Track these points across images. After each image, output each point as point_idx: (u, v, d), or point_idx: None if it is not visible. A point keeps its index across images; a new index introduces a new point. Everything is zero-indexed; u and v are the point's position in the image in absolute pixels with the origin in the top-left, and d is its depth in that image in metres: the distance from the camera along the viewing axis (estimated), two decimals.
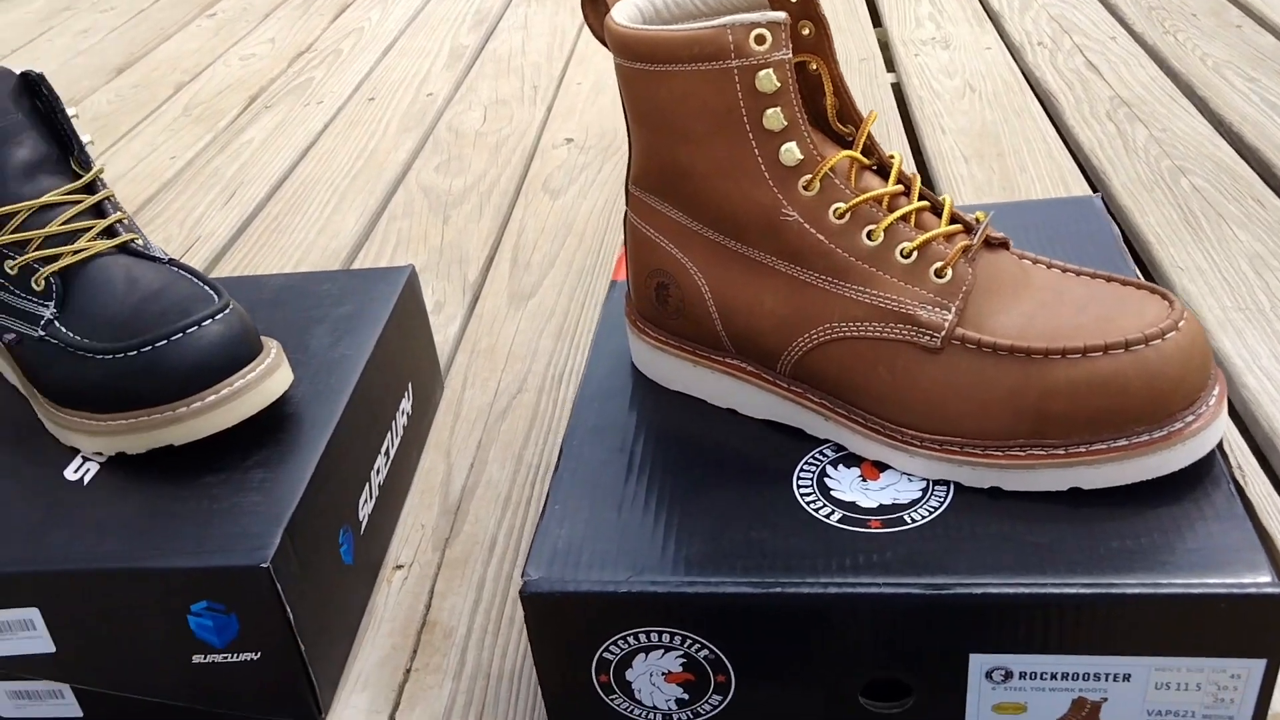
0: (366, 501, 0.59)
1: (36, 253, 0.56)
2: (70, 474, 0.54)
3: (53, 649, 0.50)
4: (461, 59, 1.37)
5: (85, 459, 0.55)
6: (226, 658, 0.49)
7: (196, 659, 0.49)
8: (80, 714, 0.52)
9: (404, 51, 1.42)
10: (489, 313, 0.83)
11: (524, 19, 1.49)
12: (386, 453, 0.62)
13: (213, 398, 0.52)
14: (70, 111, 0.59)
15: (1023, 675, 0.42)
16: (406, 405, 0.67)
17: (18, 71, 0.59)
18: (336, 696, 0.52)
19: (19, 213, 0.56)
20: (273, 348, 0.55)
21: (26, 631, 0.50)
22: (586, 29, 1.42)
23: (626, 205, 0.52)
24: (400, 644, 0.55)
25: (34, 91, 0.58)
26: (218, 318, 0.53)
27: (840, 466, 0.47)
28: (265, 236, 0.99)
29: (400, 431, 0.65)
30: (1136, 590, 0.40)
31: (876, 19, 1.34)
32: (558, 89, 1.25)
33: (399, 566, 0.60)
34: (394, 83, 1.32)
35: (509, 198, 1.01)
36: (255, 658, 0.49)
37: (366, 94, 1.29)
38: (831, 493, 0.45)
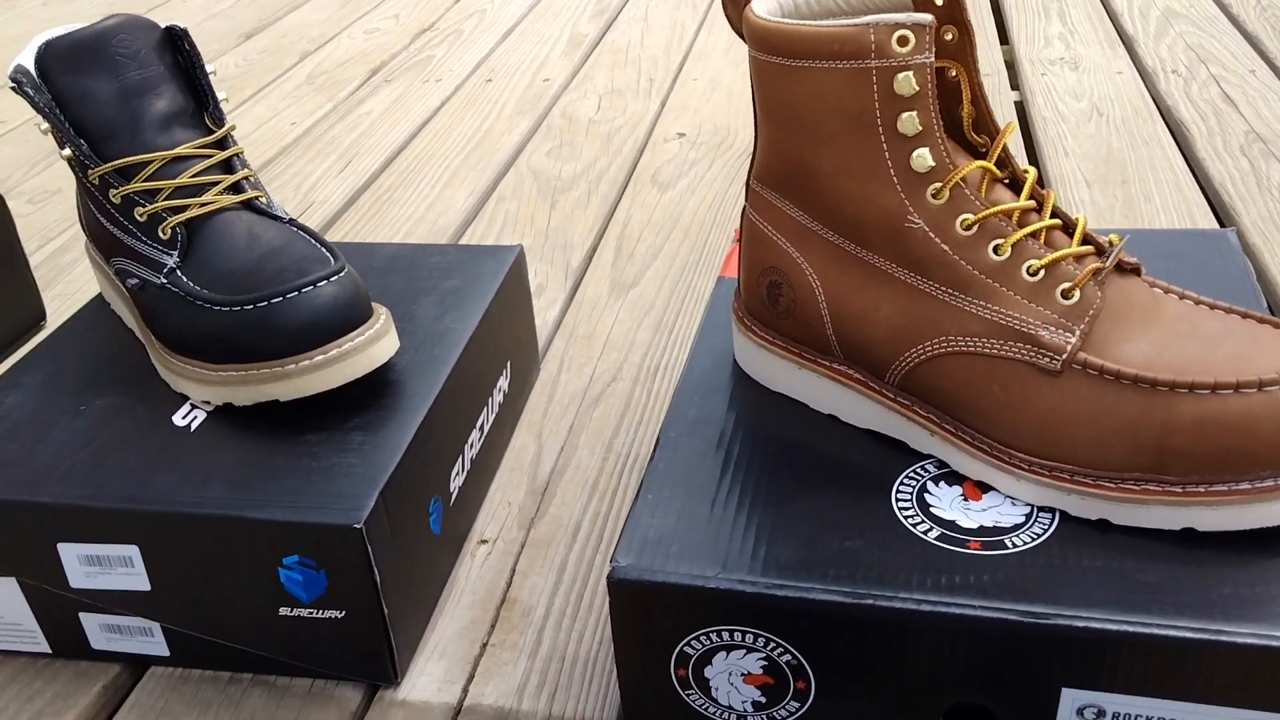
0: (458, 474, 0.59)
1: (165, 202, 0.57)
2: (179, 420, 0.56)
3: (148, 587, 0.51)
4: (580, 47, 1.38)
5: (194, 406, 0.57)
6: (312, 613, 0.50)
7: (283, 611, 0.50)
8: (166, 653, 0.53)
9: (524, 36, 1.43)
10: (589, 300, 0.84)
11: (644, 11, 1.49)
12: (481, 428, 0.63)
13: (321, 357, 0.53)
14: (209, 68, 0.61)
15: (1116, 716, 0.40)
16: (504, 383, 0.67)
17: (162, 25, 0.61)
18: (413, 663, 0.53)
19: (153, 162, 0.57)
20: (382, 314, 0.56)
21: (125, 568, 0.51)
22: (706, 25, 1.42)
23: (745, 201, 0.52)
24: (479, 618, 0.55)
25: (176, 46, 0.60)
26: (333, 279, 0.54)
27: (942, 484, 0.46)
28: (376, 207, 1.01)
29: (495, 409, 0.65)
30: (1248, 640, 0.38)
31: (1004, 36, 1.31)
32: (673, 83, 1.25)
33: (483, 541, 0.60)
34: (512, 66, 1.33)
35: (617, 187, 1.01)
36: (339, 615, 0.50)
37: (484, 75, 1.31)
38: (931, 509, 0.44)
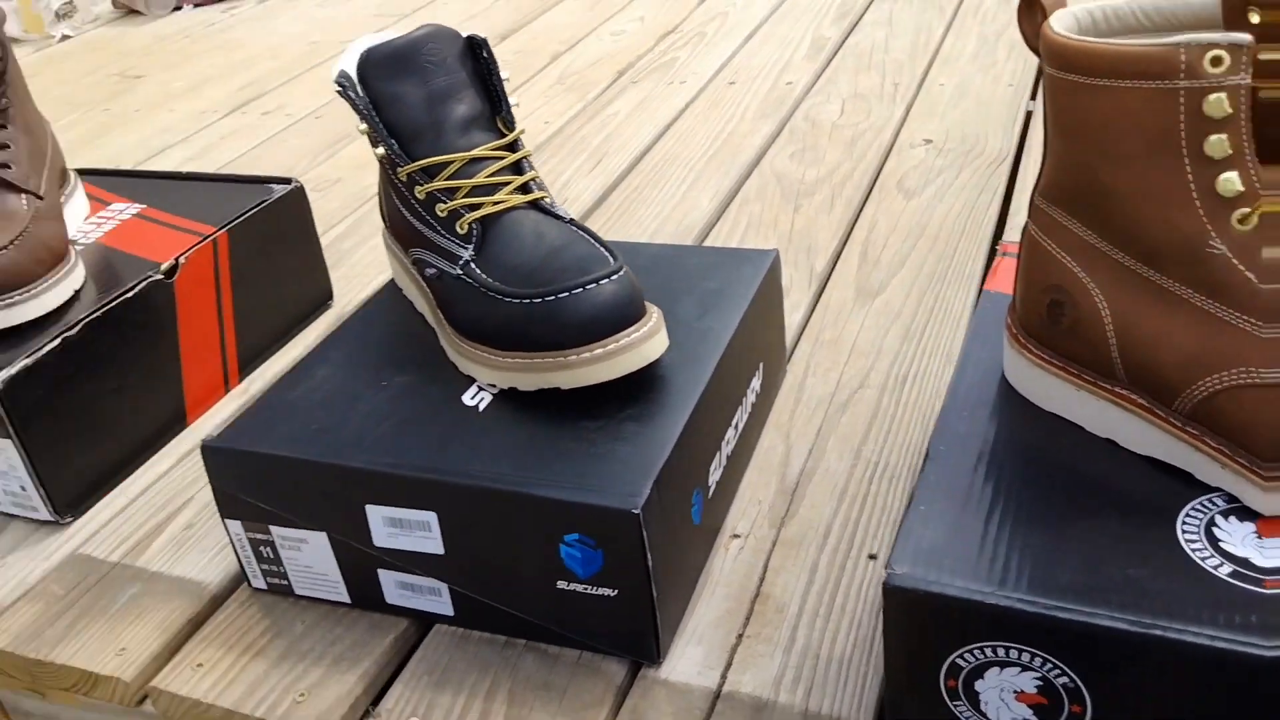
0: (716, 468, 0.61)
1: (464, 200, 0.62)
2: (467, 399, 0.61)
3: (442, 551, 0.56)
4: (823, 50, 1.38)
5: (480, 388, 0.61)
6: (587, 589, 0.53)
7: (560, 584, 0.54)
8: (451, 613, 0.58)
9: (766, 39, 1.45)
10: (835, 304, 0.85)
11: (888, 15, 1.48)
12: (735, 425, 0.65)
13: (600, 350, 0.56)
14: (503, 75, 0.65)
15: None
16: (756, 384, 0.69)
17: (464, 34, 0.66)
18: (674, 645, 0.56)
19: (454, 162, 0.62)
20: (654, 313, 0.59)
21: (423, 531, 0.56)
22: (953, 29, 1.39)
23: (1029, 217, 0.51)
24: (734, 609, 0.58)
25: (475, 53, 0.65)
26: (613, 278, 0.57)
27: (1231, 518, 0.44)
28: (625, 205, 1.05)
29: (749, 408, 0.67)
30: None
31: None
32: (919, 88, 1.23)
33: (736, 535, 0.63)
34: (755, 69, 1.35)
35: (862, 192, 1.01)
36: (612, 594, 0.53)
37: (727, 77, 1.33)
38: (1220, 544, 0.43)
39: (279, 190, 0.87)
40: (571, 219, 0.63)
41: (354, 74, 0.64)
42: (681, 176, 1.09)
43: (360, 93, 0.63)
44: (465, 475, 0.54)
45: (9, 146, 0.76)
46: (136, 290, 0.75)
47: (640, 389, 0.59)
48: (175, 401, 0.79)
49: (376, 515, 0.57)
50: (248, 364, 0.85)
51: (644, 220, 1.02)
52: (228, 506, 0.61)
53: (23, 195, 0.75)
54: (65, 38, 1.93)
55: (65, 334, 0.70)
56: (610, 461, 0.54)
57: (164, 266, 0.77)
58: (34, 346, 0.69)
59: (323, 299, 0.93)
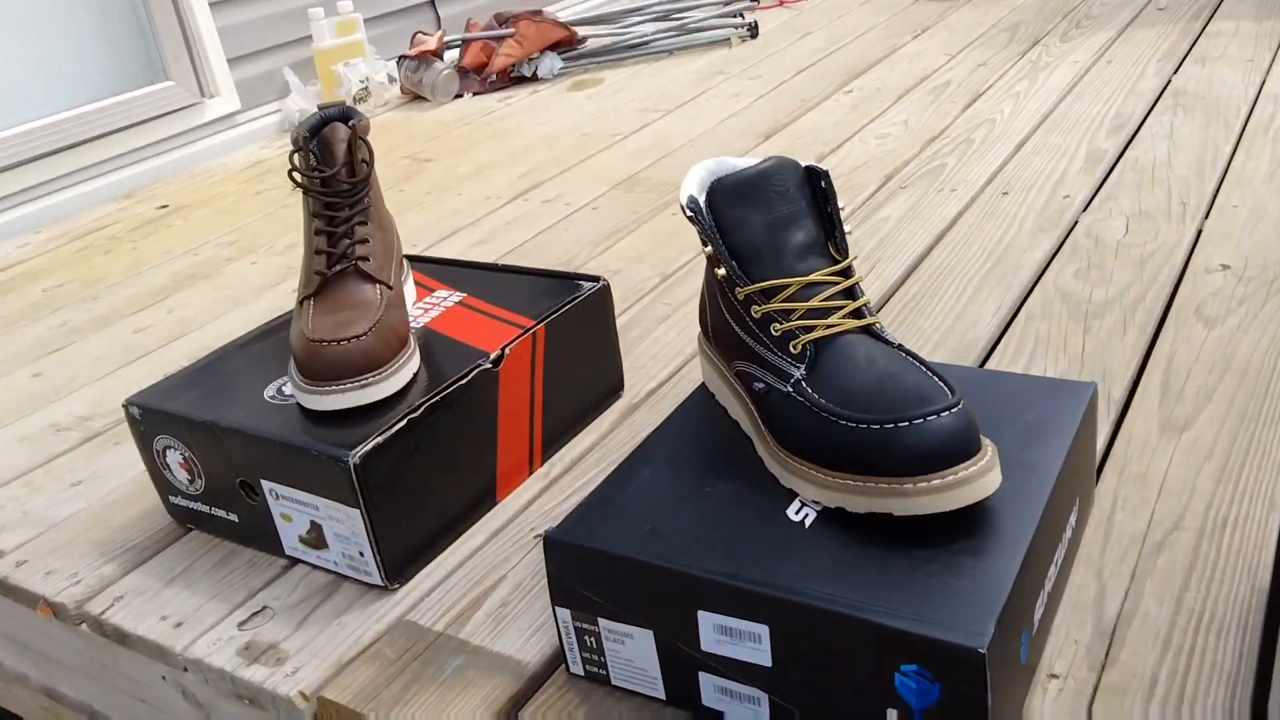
0: (1039, 606, 0.61)
1: (799, 321, 0.65)
2: (792, 514, 0.63)
3: (769, 663, 0.58)
4: (1100, 163, 1.36)
5: (804, 504, 0.64)
6: None
7: (891, 714, 0.55)
8: None
9: (1038, 149, 1.44)
10: (1138, 437, 0.82)
11: (1169, 128, 1.45)
12: (1055, 562, 0.64)
13: (938, 482, 0.58)
14: (841, 206, 0.68)
15: None
16: (1073, 518, 0.68)
17: (803, 164, 0.70)
18: None
19: (791, 286, 0.66)
20: (989, 448, 0.60)
21: (753, 643, 0.58)
22: (1242, 148, 1.34)
23: None
24: None
25: (814, 183, 0.68)
26: (952, 411, 0.59)
27: None
28: (903, 314, 1.06)
29: (1065, 544, 0.67)
30: None
31: None
32: (1209, 209, 1.19)
33: (1054, 675, 0.62)
34: (1028, 179, 1.34)
35: (1155, 317, 0.99)
36: None
37: (1000, 187, 1.33)
38: None
39: (588, 287, 0.93)
40: (900, 345, 0.65)
41: (701, 200, 0.69)
42: (959, 288, 1.10)
43: (708, 217, 0.67)
44: (802, 593, 0.56)
45: (368, 241, 0.85)
46: (470, 377, 0.81)
47: (971, 522, 0.60)
48: (488, 480, 0.85)
49: (708, 621, 0.59)
50: (548, 447, 0.91)
51: (925, 331, 1.02)
52: (561, 595, 0.65)
53: (377, 285, 0.84)
54: None
55: (410, 415, 0.77)
56: (950, 595, 0.55)
57: (492, 356, 0.84)
58: (383, 425, 0.76)
59: (615, 388, 0.98)
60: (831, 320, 0.65)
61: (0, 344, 1.32)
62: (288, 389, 0.83)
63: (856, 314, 0.66)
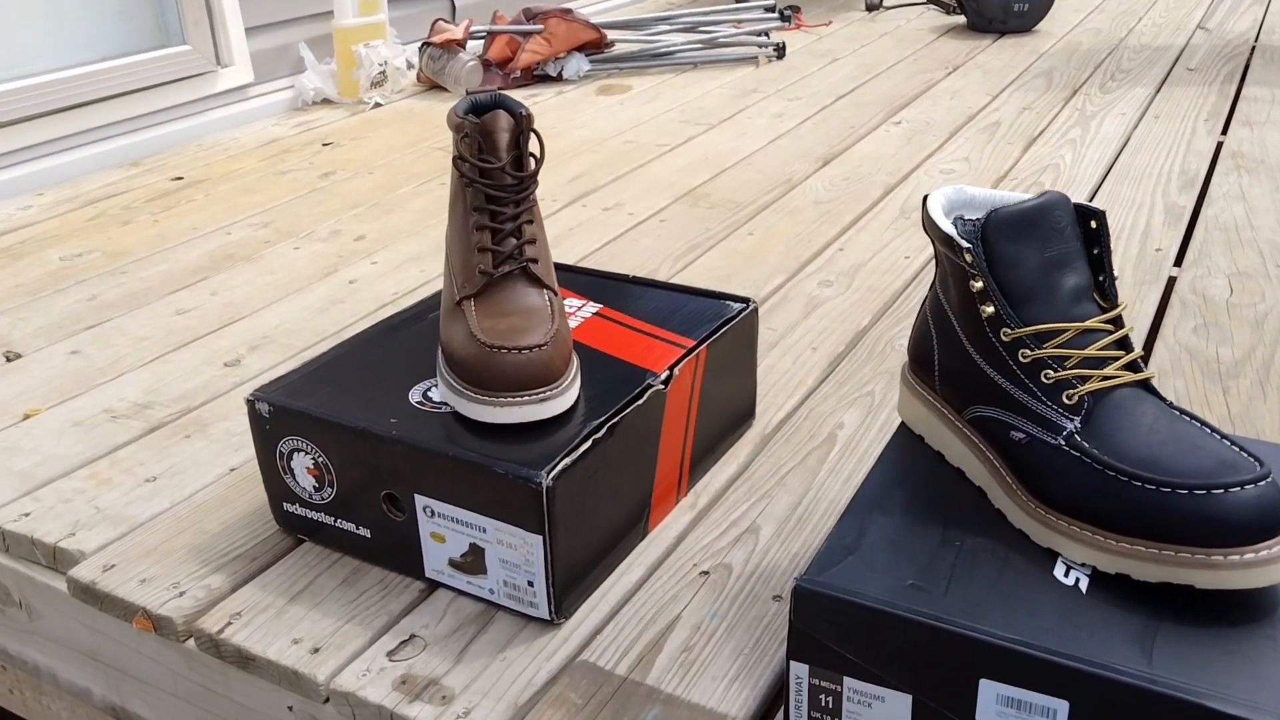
0: None
1: (1074, 370, 0.61)
2: (1061, 576, 0.58)
3: None
4: (1181, 219, 1.36)
5: (1069, 566, 0.59)
6: None
7: None
8: None
9: (1113, 199, 1.43)
10: None
11: (1239, 189, 1.45)
12: None
13: (1252, 556, 0.54)
14: (1114, 250, 0.64)
15: None
16: None
17: (1074, 201, 0.65)
18: None
19: (1068, 331, 0.61)
20: None
21: (1043, 718, 0.54)
22: None
23: None
24: None
25: (1086, 223, 0.64)
26: (1266, 482, 0.55)
27: None
28: None
29: None
30: None
31: None
32: None
33: None
34: (1114, 229, 1.33)
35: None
36: None
37: None
38: None
39: (739, 308, 0.88)
40: (1181, 408, 0.62)
41: (949, 226, 0.64)
42: None
43: (980, 250, 0.63)
44: (1114, 669, 0.52)
45: (535, 242, 0.78)
46: (646, 397, 0.75)
47: (1266, 600, 0.56)
48: (643, 507, 0.79)
49: (990, 691, 0.54)
50: (693, 474, 0.85)
51: None
52: (803, 649, 0.59)
53: (544, 291, 0.77)
54: (377, 105, 2.03)
55: (595, 435, 0.71)
56: (1273, 679, 0.51)
57: (663, 376, 0.78)
58: (569, 444, 0.69)
59: (748, 415, 0.93)
60: (1108, 371, 0.61)
61: (26, 315, 1.21)
62: (436, 395, 0.76)
63: (1133, 366, 0.62)
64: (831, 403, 0.97)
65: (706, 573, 0.76)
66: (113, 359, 1.10)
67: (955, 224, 0.66)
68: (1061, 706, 0.53)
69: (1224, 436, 0.59)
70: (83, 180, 1.67)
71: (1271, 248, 1.27)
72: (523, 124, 0.78)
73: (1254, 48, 2.24)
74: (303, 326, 1.16)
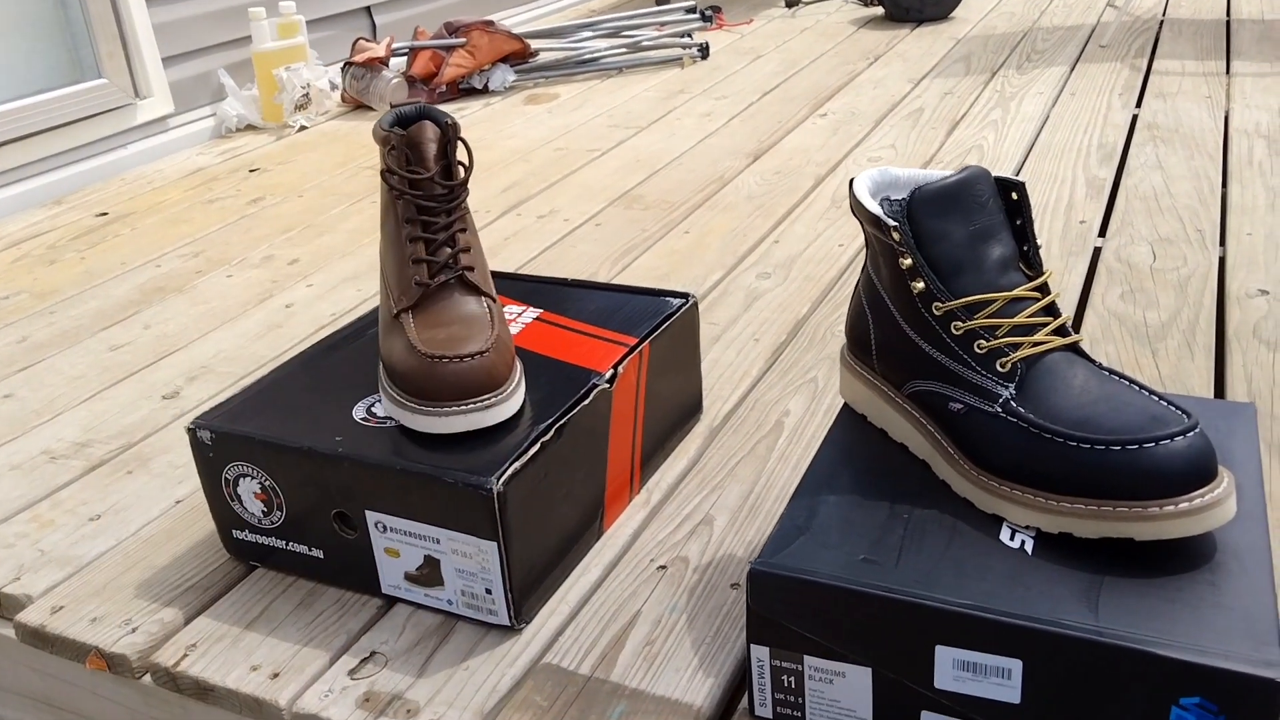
0: None
1: (1006, 339, 0.62)
2: (1006, 539, 0.60)
3: (1018, 700, 0.55)
4: (1102, 191, 1.39)
5: (1014, 529, 0.61)
6: None
7: None
8: None
9: (1037, 175, 1.46)
10: None
11: (1155, 159, 1.49)
12: None
13: (1186, 505, 0.56)
14: (1040, 224, 0.66)
15: None
16: None
17: (995, 175, 0.67)
18: None
19: (996, 301, 0.63)
20: (1225, 476, 0.58)
21: (999, 678, 0.55)
22: (1232, 178, 1.40)
23: None
24: None
25: (1006, 195, 0.66)
26: (1193, 433, 0.57)
27: None
28: None
29: None
30: None
31: None
32: (1222, 236, 1.23)
33: None
34: (1038, 204, 1.36)
35: (1214, 340, 1.01)
36: None
37: None
38: None
39: (679, 303, 0.88)
40: (1110, 368, 0.63)
41: (875, 207, 0.65)
42: None
43: (907, 227, 0.64)
44: (1063, 625, 0.53)
45: (470, 250, 0.78)
46: (592, 397, 0.76)
47: (1203, 547, 0.58)
48: (597, 507, 0.79)
49: (946, 656, 0.56)
50: (644, 470, 0.85)
51: None
52: (761, 631, 0.60)
53: (482, 298, 0.77)
54: (303, 128, 2.01)
55: (543, 438, 0.71)
56: (1222, 623, 0.53)
57: (607, 375, 0.78)
58: (517, 449, 0.69)
59: (696, 409, 0.93)
60: (1039, 337, 0.62)
61: None
62: (380, 410, 0.76)
63: (1061, 331, 0.63)
64: (776, 391, 0.98)
65: (664, 567, 0.76)
66: (48, 400, 1.08)
67: (882, 205, 0.67)
68: (1015, 665, 0.54)
69: (1152, 393, 0.61)
70: (4, 222, 1.64)
71: (1190, 213, 1.30)
72: (449, 133, 0.78)
73: (1162, 22, 2.30)
74: (240, 354, 1.14)
